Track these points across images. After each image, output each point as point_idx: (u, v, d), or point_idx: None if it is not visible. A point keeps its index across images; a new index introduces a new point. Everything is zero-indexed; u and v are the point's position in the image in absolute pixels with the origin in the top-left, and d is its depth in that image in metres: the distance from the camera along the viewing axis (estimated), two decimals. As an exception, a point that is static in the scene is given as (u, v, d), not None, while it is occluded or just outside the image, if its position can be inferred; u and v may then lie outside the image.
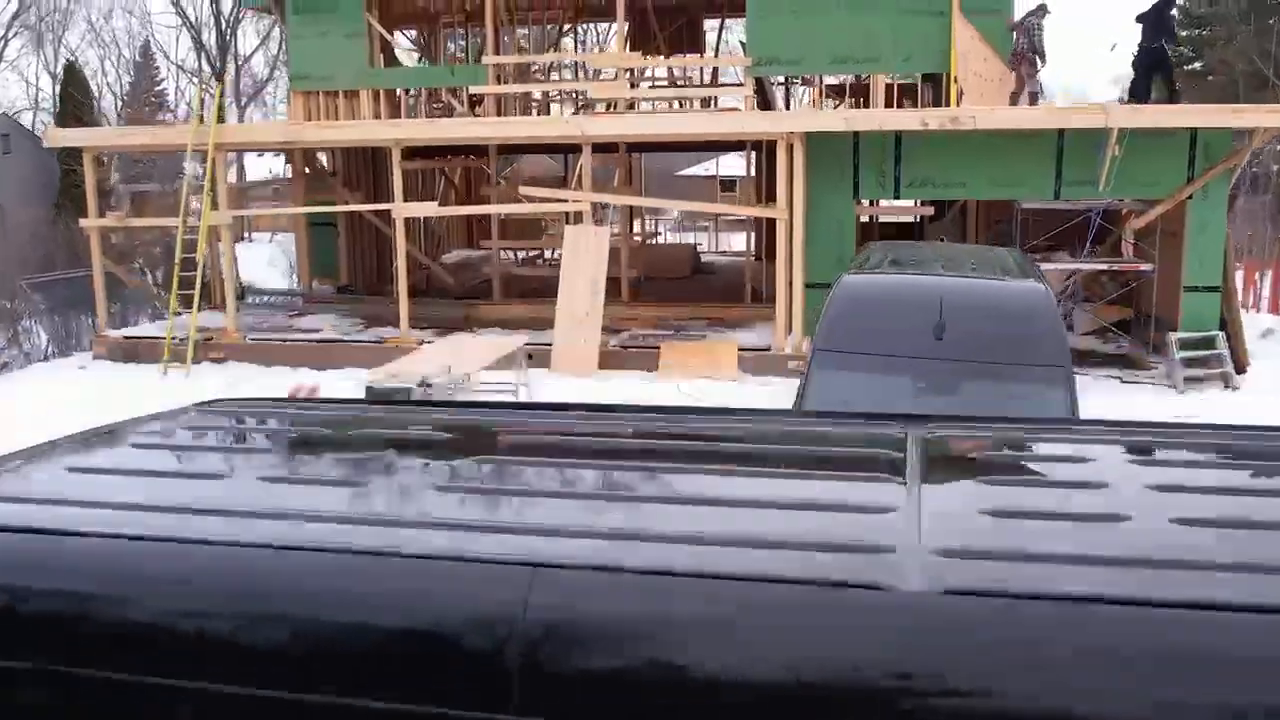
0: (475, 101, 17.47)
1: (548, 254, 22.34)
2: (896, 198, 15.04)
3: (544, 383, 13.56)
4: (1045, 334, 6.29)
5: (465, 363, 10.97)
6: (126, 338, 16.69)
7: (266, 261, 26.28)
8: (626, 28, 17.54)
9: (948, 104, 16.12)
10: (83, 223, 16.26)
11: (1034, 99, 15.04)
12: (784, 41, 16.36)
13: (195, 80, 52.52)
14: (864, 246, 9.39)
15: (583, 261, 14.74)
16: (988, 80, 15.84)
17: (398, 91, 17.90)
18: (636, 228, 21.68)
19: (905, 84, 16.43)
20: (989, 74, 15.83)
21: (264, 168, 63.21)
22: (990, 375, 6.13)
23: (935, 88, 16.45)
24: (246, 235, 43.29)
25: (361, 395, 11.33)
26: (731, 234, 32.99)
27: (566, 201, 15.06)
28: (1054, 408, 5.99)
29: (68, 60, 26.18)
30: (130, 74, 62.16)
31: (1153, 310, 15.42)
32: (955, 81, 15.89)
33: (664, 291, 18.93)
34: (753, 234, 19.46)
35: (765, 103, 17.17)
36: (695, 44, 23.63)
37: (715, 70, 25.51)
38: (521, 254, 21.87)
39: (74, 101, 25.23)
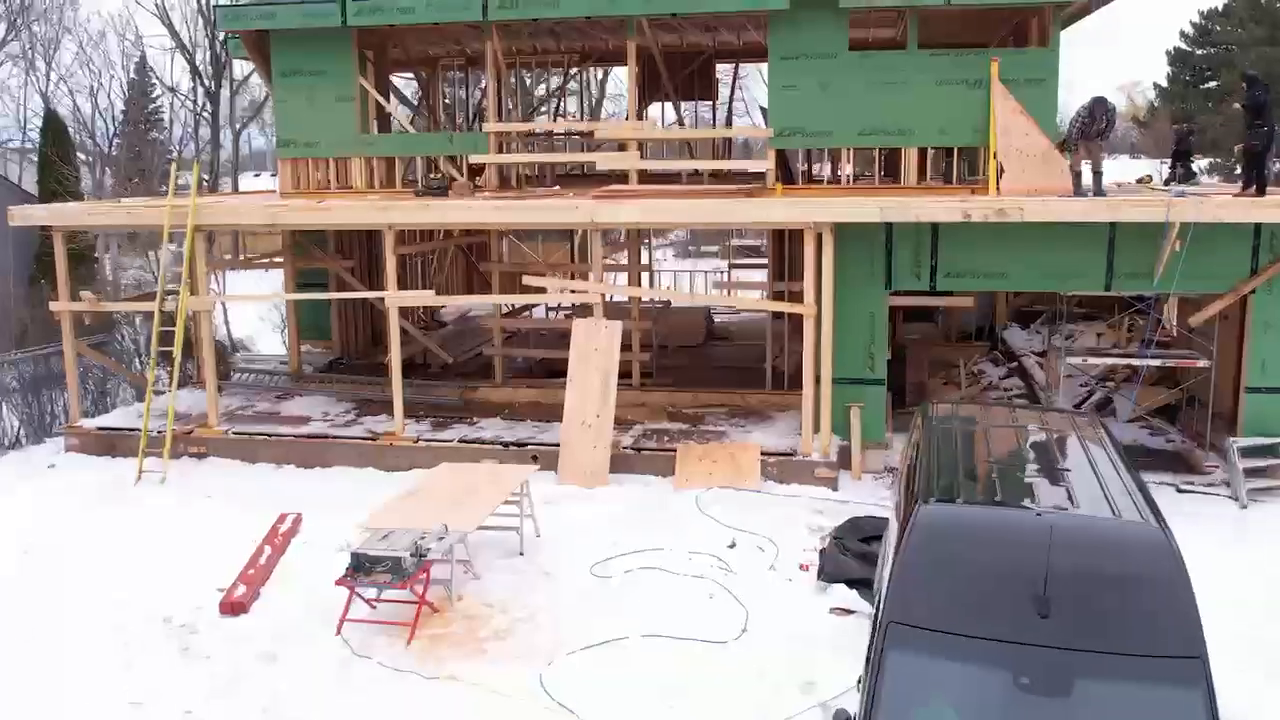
0: (476, 170, 16.29)
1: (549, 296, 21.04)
2: (933, 289, 13.84)
3: (551, 501, 12.38)
4: (1175, 611, 5.12)
5: (464, 514, 9.78)
6: (101, 429, 15.50)
7: (257, 316, 25.17)
8: (636, 77, 16.29)
9: (984, 176, 14.97)
10: (53, 306, 15.10)
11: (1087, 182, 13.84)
12: (808, 114, 15.19)
13: (186, 103, 51.22)
14: (927, 415, 8.10)
15: (593, 360, 13.56)
16: (1030, 156, 14.63)
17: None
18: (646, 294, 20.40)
19: (941, 145, 15.26)
20: (1031, 149, 14.64)
21: (262, 185, 62.11)
22: (1108, 671, 4.96)
23: (971, 158, 15.27)
24: (242, 258, 42.10)
25: (352, 541, 10.21)
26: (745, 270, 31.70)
27: (574, 291, 13.88)
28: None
29: (48, 110, 24.83)
30: (125, 91, 61.07)
31: (1209, 402, 14.25)
32: (995, 157, 14.71)
33: (677, 367, 17.76)
34: (768, 274, 18.12)
35: (787, 174, 16.00)
36: (707, 91, 22.47)
37: (730, 111, 24.34)
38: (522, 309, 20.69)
39: (55, 155, 23.84)
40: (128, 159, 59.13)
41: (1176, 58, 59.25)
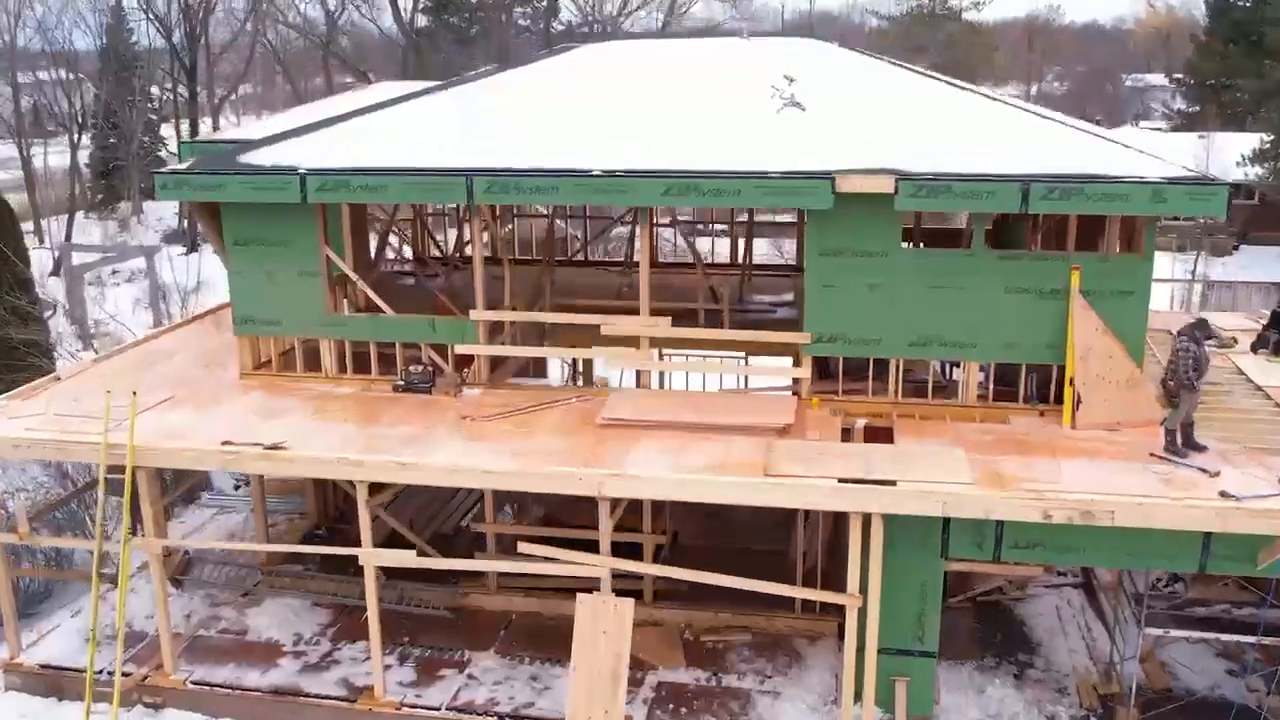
0: (464, 361, 14.12)
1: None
2: (997, 560, 11.91)
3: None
4: None
5: None
6: (44, 667, 13.75)
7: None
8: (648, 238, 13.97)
9: (1059, 400, 12.83)
10: (-22, 537, 13.19)
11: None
12: (852, 318, 12.99)
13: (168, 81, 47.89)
14: None
15: (600, 646, 11.70)
16: (1112, 382, 12.53)
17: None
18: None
19: (1008, 360, 13.12)
20: (1114, 375, 12.51)
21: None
22: None
23: (1043, 378, 13.08)
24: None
25: None
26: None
27: (578, 565, 11.92)
28: None
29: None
30: (103, 38, 57.61)
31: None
32: (1071, 384, 12.56)
33: (692, 546, 15.78)
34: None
35: (825, 371, 13.83)
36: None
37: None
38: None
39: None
40: (105, 125, 56.11)
41: (1216, 10, 55.40)
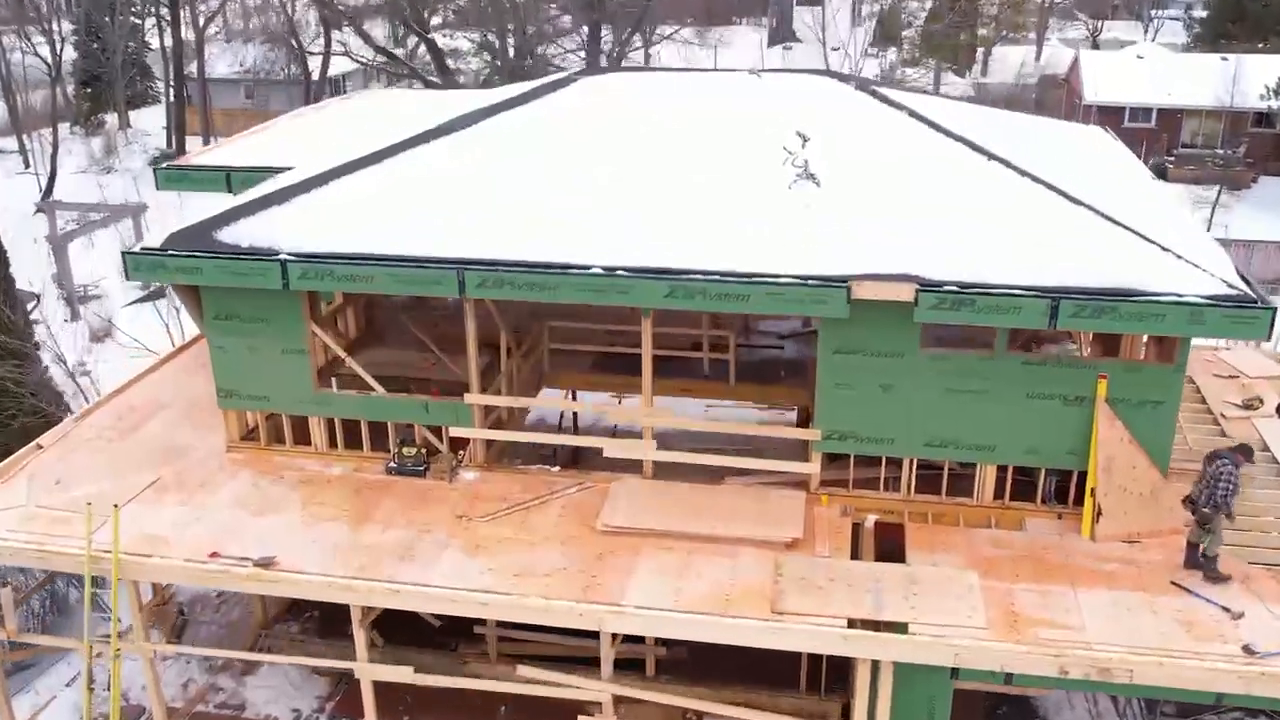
0: (458, 444, 13.55)
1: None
2: (1009, 683, 11.60)
3: None
4: None
5: None
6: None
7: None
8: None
9: (1078, 502, 12.33)
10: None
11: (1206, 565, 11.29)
12: (866, 417, 12.40)
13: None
14: None
15: (601, 771, 11.53)
16: (1135, 493, 12.01)
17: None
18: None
19: (1028, 465, 12.56)
20: (1137, 485, 12.00)
21: (233, 58, 56.79)
22: None
23: (1063, 482, 12.54)
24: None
25: None
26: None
27: (577, 689, 11.64)
28: None
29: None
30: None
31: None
32: (1092, 494, 12.05)
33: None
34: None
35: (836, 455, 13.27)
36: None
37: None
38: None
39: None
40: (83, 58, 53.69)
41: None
